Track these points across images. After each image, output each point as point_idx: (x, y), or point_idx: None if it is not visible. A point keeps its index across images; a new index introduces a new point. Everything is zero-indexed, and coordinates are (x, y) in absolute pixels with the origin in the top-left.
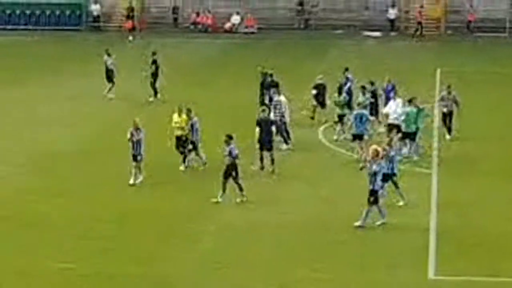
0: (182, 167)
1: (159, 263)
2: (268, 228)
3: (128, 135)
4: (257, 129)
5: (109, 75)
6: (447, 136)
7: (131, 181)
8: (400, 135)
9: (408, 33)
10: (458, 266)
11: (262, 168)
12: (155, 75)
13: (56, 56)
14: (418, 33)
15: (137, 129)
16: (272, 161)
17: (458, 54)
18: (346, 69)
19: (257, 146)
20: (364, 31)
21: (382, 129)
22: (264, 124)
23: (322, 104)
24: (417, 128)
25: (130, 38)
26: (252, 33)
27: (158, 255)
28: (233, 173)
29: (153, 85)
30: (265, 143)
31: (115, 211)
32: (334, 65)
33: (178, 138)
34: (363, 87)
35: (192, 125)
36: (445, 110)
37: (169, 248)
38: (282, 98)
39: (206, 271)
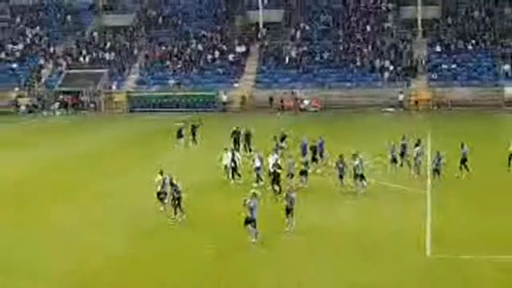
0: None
1: None
2: None
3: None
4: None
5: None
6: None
7: (254, 240)
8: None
9: (410, 109)
10: None
11: None
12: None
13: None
14: (416, 108)
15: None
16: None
17: (442, 121)
18: (283, 137)
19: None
20: (383, 108)
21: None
22: None
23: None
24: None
25: (278, 114)
26: (316, 111)
27: None
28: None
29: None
30: None
31: None
32: (368, 131)
33: (158, 193)
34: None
35: (163, 181)
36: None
37: None
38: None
39: None
